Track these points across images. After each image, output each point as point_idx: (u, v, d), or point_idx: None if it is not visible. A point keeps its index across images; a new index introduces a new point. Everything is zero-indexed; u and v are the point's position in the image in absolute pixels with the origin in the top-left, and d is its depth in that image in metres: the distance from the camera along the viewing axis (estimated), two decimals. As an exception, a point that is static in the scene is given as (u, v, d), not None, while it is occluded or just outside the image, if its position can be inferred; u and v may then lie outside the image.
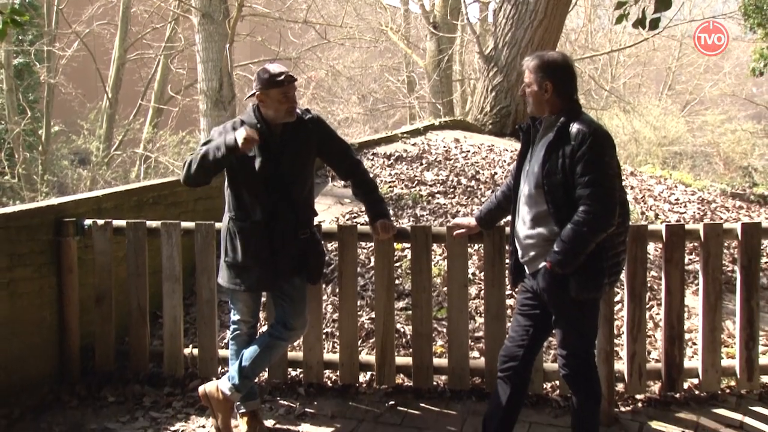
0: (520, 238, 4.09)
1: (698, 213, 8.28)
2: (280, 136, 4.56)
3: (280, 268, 4.56)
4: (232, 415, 4.76)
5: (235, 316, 4.84)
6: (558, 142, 3.87)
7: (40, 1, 20.89)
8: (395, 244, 5.39)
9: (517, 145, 4.46)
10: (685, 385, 5.07)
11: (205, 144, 4.54)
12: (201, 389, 4.78)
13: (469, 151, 9.64)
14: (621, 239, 4.00)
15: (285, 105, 4.48)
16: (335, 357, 5.28)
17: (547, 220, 3.93)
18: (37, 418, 5.07)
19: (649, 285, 6.03)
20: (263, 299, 5.20)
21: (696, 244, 6.30)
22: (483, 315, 5.34)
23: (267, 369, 5.26)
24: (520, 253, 4.13)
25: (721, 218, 8.30)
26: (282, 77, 4.46)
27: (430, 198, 7.86)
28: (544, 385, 5.06)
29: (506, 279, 4.94)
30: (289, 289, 4.63)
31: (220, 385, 4.68)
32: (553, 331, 4.14)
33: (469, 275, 6.14)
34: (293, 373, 5.36)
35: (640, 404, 5.00)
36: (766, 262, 6.68)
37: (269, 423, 4.89)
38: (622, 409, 4.94)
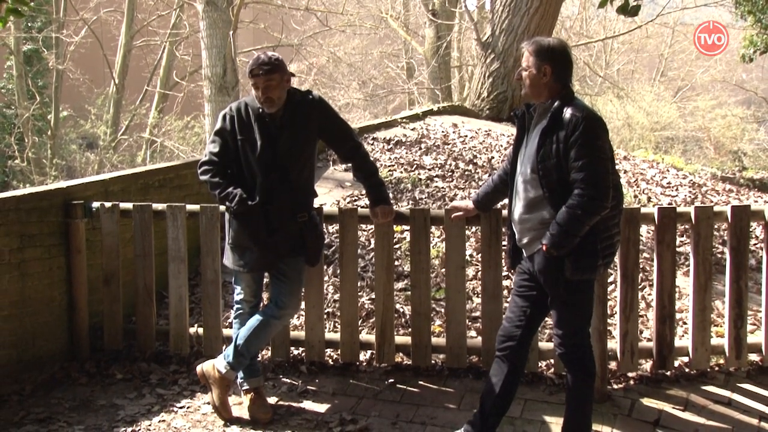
0: (517, 221, 4.17)
1: (689, 196, 8.33)
2: (280, 119, 4.63)
3: (279, 248, 4.66)
4: (229, 393, 4.86)
5: (238, 296, 4.94)
6: (552, 127, 3.95)
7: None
8: (395, 226, 5.46)
9: (514, 130, 4.55)
10: (676, 363, 5.16)
11: (217, 133, 4.69)
12: (198, 368, 4.89)
13: (466, 136, 9.70)
14: (615, 221, 4.08)
15: (260, 95, 4.55)
16: (336, 336, 5.37)
17: (542, 204, 4.01)
18: (47, 394, 5.19)
19: (641, 266, 6.10)
20: (266, 280, 5.31)
21: (687, 226, 6.38)
22: (480, 295, 5.43)
23: (270, 348, 5.37)
24: (517, 236, 4.21)
25: (712, 201, 8.35)
26: (252, 69, 4.52)
27: (428, 181, 7.91)
28: (539, 364, 5.14)
29: (503, 260, 5.05)
30: (286, 269, 4.72)
31: (217, 364, 4.79)
32: (550, 312, 4.24)
33: (467, 257, 6.21)
34: (295, 352, 5.47)
35: (632, 382, 5.09)
36: (754, 244, 6.76)
37: (272, 400, 4.98)
38: (615, 386, 5.03)
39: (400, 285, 6.09)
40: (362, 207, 5.70)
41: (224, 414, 4.79)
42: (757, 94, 28.41)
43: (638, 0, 5.49)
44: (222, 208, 5.16)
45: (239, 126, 4.64)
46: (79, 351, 5.62)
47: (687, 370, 5.19)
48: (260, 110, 4.61)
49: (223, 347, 5.32)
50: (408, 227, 5.48)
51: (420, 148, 8.99)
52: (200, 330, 5.52)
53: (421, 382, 5.17)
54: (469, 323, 5.58)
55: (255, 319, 4.76)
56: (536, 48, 4.07)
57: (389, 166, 8.31)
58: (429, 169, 8.28)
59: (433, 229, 6.34)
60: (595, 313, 4.66)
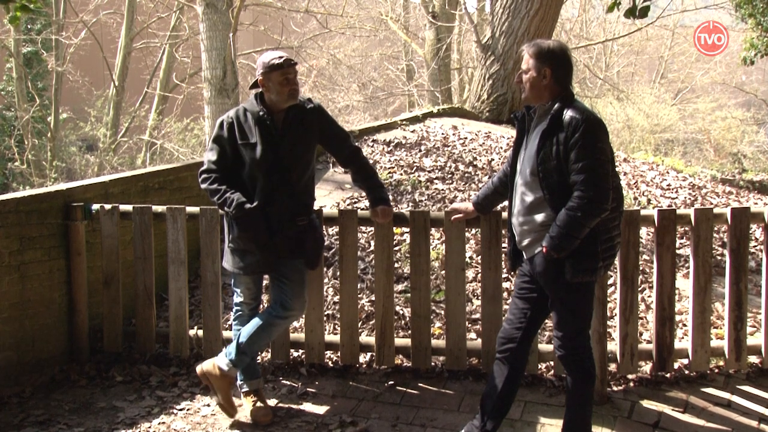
0: (517, 224, 4.17)
1: (689, 198, 8.33)
2: (281, 123, 4.66)
3: (279, 251, 4.67)
4: (233, 391, 4.86)
5: (237, 298, 4.95)
6: (552, 129, 3.95)
7: (48, -10, 21.04)
8: (394, 228, 5.47)
9: (514, 132, 4.55)
10: (676, 365, 5.17)
11: (215, 141, 4.71)
12: (198, 368, 4.89)
13: (466, 138, 9.71)
14: (615, 224, 4.08)
15: (287, 87, 4.60)
16: (336, 338, 5.38)
17: (542, 206, 4.02)
18: (47, 396, 5.20)
19: (641, 268, 6.12)
20: (265, 282, 5.31)
21: (687, 228, 6.40)
22: (480, 297, 5.44)
23: (270, 350, 5.38)
24: (517, 238, 4.21)
25: (711, 203, 8.35)
26: (281, 60, 4.59)
27: (428, 184, 7.93)
28: (539, 366, 5.15)
29: (503, 262, 5.06)
30: (288, 271, 4.73)
31: (217, 362, 4.79)
32: (550, 314, 4.25)
33: (467, 259, 6.23)
34: (295, 354, 5.47)
35: (631, 384, 5.10)
36: (754, 246, 6.76)
37: (272, 402, 4.99)
38: (615, 388, 5.04)
39: (399, 287, 6.09)
40: (362, 209, 5.70)
41: (231, 411, 4.79)
42: (757, 96, 28.47)
43: (646, 1, 5.46)
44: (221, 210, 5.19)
45: (239, 131, 4.66)
46: (78, 353, 5.62)
47: (687, 372, 5.20)
48: (261, 114, 4.63)
49: (223, 349, 5.33)
50: (408, 229, 5.49)
51: (420, 150, 9.01)
52: (200, 332, 5.52)
53: (420, 384, 5.18)
54: (469, 325, 5.59)
55: (259, 318, 4.77)
56: (536, 51, 4.08)
57: (389, 168, 8.32)
58: (429, 171, 8.29)
59: (433, 231, 6.35)
60: (595, 315, 4.68)
